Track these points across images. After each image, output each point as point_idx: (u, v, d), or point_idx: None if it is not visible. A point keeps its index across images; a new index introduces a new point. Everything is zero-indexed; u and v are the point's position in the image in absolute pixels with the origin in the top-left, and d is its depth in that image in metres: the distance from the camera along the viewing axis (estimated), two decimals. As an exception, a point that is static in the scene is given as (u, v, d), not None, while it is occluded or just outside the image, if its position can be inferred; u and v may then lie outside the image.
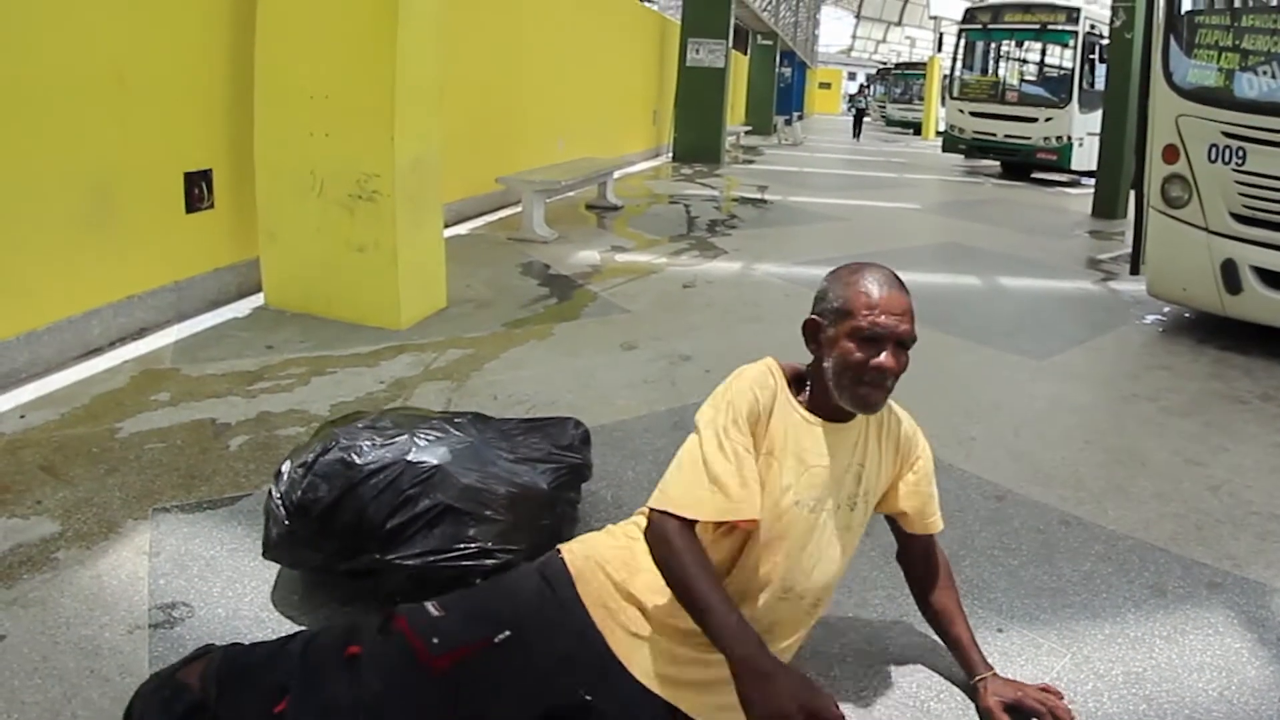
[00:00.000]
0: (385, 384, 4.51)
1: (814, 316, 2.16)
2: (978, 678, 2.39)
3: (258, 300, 5.71)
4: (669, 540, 1.97)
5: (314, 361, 4.77)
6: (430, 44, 5.46)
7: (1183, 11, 6.09)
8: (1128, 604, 2.92)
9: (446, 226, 6.26)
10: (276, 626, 2.55)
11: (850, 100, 39.63)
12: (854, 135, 33.47)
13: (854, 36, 57.95)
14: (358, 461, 2.63)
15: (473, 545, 2.54)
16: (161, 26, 5.12)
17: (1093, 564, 3.16)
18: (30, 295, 4.41)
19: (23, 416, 3.90)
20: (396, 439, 2.73)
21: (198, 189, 5.45)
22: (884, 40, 56.57)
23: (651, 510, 2.06)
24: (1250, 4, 6.06)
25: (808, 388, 2.22)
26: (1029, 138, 17.56)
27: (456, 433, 2.86)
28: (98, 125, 4.74)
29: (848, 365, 2.06)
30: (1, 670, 2.33)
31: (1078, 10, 17.55)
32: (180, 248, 5.39)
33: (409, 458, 2.66)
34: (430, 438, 2.76)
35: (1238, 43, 5.76)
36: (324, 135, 5.26)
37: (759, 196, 12.89)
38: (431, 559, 2.52)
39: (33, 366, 4.38)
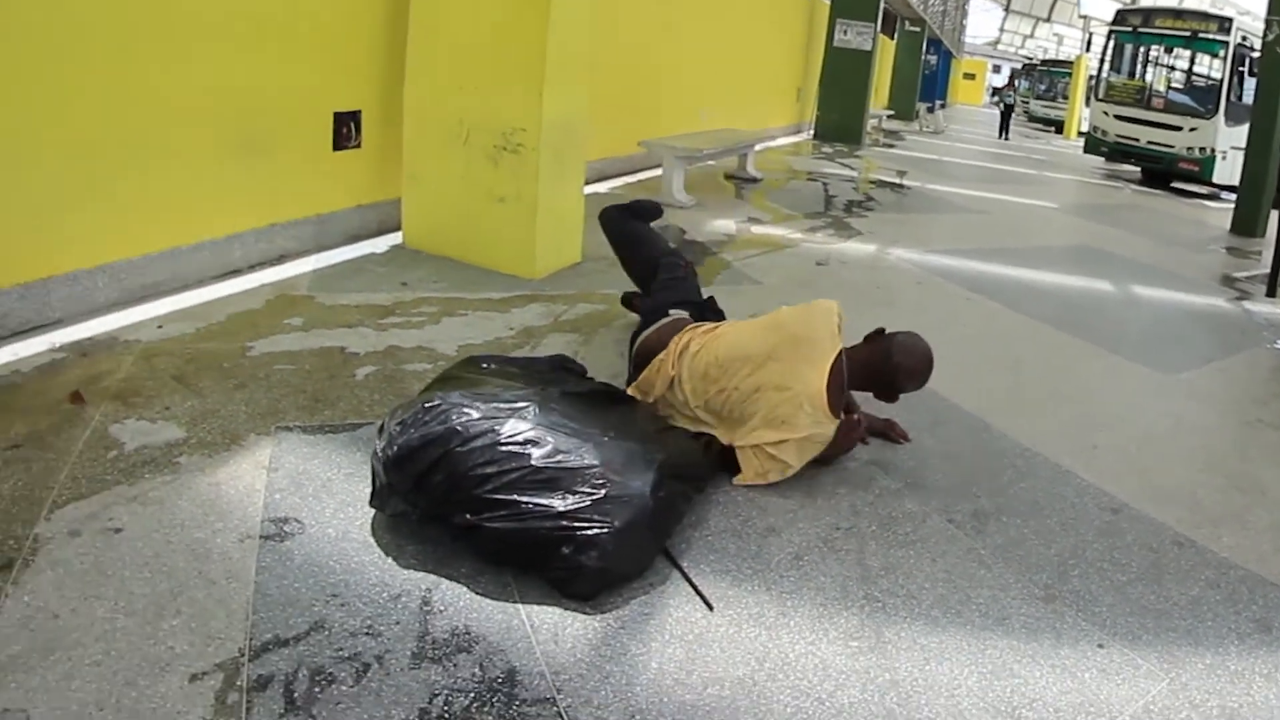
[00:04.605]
0: (514, 330, 4.50)
1: None
2: None
3: (396, 239, 5.75)
4: None
5: (446, 302, 4.78)
6: (582, 10, 5.43)
7: None
8: (1232, 635, 2.73)
9: (587, 184, 6.21)
10: (383, 553, 2.55)
11: (995, 94, 35.55)
12: (1000, 134, 28.01)
13: (1001, 29, 56.28)
14: (455, 424, 2.63)
15: (564, 517, 2.48)
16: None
17: (1201, 590, 2.97)
18: (177, 213, 4.51)
19: (160, 327, 4.00)
20: (496, 403, 2.73)
21: (346, 128, 5.51)
22: (1031, 35, 54.95)
23: None
24: None
25: None
26: (1172, 146, 16.84)
27: (557, 406, 2.87)
28: (254, 57, 4.82)
29: None
30: (115, 560, 2.37)
31: (1230, 20, 16.74)
32: (325, 183, 5.46)
33: (505, 425, 2.65)
34: (531, 408, 2.76)
35: None
36: (474, 88, 5.26)
37: (897, 181, 12.47)
38: (518, 524, 2.47)
39: (173, 282, 4.49)
